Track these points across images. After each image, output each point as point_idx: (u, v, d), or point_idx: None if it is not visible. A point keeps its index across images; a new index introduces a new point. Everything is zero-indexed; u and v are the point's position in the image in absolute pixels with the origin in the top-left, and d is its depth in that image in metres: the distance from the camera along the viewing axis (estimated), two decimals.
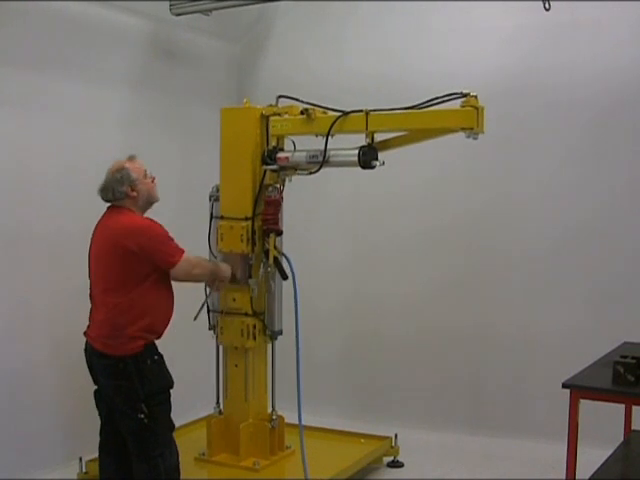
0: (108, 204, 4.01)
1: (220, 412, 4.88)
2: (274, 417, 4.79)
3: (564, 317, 5.62)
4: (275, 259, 4.59)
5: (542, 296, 5.73)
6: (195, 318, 4.56)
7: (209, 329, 4.82)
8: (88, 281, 5.43)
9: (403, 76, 6.01)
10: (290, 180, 4.70)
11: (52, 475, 4.84)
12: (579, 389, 3.63)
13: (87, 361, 4.02)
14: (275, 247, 4.59)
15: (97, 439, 4.96)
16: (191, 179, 6.03)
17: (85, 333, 4.02)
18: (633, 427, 4.59)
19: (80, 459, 4.72)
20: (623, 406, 4.42)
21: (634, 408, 4.44)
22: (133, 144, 5.55)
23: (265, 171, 4.64)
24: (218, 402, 4.89)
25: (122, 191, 3.93)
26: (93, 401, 5.30)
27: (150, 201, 4.07)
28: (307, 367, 4.65)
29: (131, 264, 3.84)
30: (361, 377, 6.35)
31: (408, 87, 5.95)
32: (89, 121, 5.27)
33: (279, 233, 4.64)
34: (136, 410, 3.85)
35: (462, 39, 5.92)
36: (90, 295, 4.05)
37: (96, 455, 4.76)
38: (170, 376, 3.99)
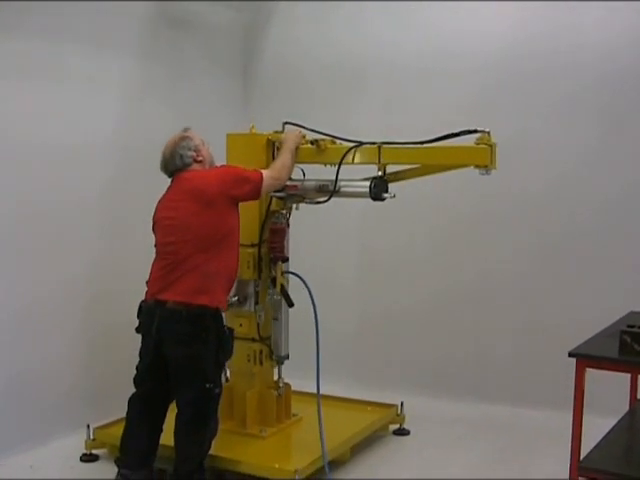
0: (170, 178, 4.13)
1: (227, 380, 4.89)
2: (280, 385, 4.81)
3: (570, 286, 5.62)
4: (282, 287, 4.62)
5: (548, 265, 5.72)
6: None
7: None
8: (93, 248, 5.41)
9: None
10: (297, 208, 4.71)
11: (60, 443, 4.88)
12: (585, 358, 3.62)
13: (148, 327, 3.97)
14: (282, 274, 4.62)
15: (104, 406, 5.00)
16: None
17: (151, 300, 3.98)
18: (639, 396, 4.59)
19: (88, 426, 4.73)
20: (629, 375, 4.42)
21: None
22: (138, 113, 5.53)
23: (271, 198, 4.62)
24: (224, 370, 4.91)
25: (190, 156, 4.08)
26: (97, 369, 5.34)
27: (211, 166, 4.20)
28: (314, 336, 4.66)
29: (219, 214, 3.96)
30: (367, 345, 6.36)
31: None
32: (94, 91, 5.22)
33: (285, 260, 4.67)
34: (205, 379, 3.91)
35: (465, 18, 5.88)
36: (159, 263, 4.04)
37: (103, 422, 4.81)
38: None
